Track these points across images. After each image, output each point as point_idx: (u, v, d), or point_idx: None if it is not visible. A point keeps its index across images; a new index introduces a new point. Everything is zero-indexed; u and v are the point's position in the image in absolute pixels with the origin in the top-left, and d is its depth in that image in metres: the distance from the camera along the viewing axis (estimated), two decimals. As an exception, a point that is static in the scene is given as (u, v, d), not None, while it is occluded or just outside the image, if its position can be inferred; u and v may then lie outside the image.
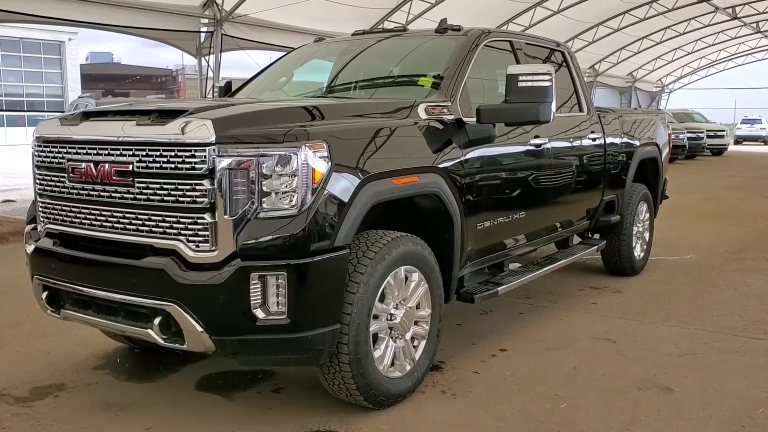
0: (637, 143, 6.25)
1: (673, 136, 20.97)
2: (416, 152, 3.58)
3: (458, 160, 3.83)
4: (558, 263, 5.07)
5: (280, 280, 2.90)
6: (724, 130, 26.92)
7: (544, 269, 4.85)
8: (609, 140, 5.71)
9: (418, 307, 3.59)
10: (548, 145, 4.73)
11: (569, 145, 5.11)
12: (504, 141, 4.27)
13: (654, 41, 29.76)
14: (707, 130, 24.77)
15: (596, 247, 5.70)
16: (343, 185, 3.07)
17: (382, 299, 3.33)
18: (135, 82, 57.11)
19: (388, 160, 3.34)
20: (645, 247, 6.61)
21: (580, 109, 5.53)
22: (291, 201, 2.93)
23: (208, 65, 14.24)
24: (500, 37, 4.69)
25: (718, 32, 31.80)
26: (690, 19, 27.64)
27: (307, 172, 2.95)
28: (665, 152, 6.98)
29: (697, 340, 4.58)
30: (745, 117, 39.51)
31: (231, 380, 3.86)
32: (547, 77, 3.83)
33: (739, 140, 37.20)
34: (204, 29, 14.09)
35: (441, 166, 3.69)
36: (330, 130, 3.14)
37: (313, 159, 2.97)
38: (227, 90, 5.09)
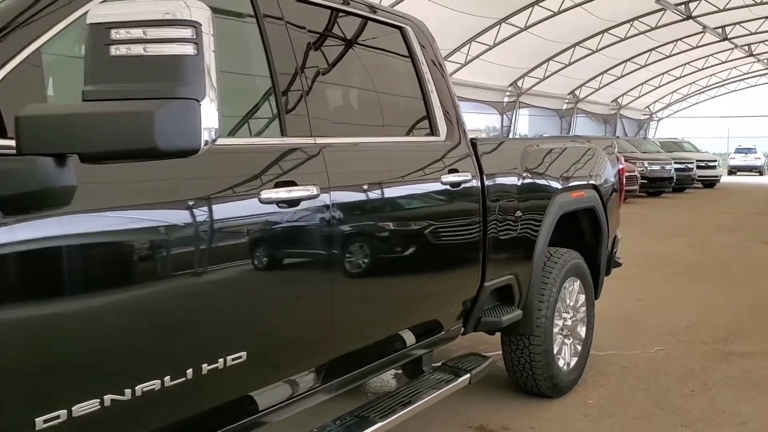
0: (558, 186, 3.85)
1: (657, 168, 18.59)
2: None
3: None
4: (378, 425, 2.58)
5: None
6: (716, 161, 24.64)
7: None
8: (492, 183, 3.29)
9: None
10: (321, 202, 2.29)
11: (387, 198, 2.66)
12: (152, 198, 1.83)
13: (638, 64, 27.68)
14: (697, 161, 22.50)
15: (468, 376, 3.16)
16: None
17: None
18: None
19: None
20: (579, 348, 4.17)
21: (433, 131, 3.10)
22: None
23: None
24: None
25: (708, 55, 29.77)
26: (676, 40, 25.60)
27: None
28: (613, 197, 4.57)
29: None
30: (739, 146, 37.21)
31: None
32: (184, 32, 1.40)
33: (733, 171, 34.92)
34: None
35: None
36: None
37: None
38: None
